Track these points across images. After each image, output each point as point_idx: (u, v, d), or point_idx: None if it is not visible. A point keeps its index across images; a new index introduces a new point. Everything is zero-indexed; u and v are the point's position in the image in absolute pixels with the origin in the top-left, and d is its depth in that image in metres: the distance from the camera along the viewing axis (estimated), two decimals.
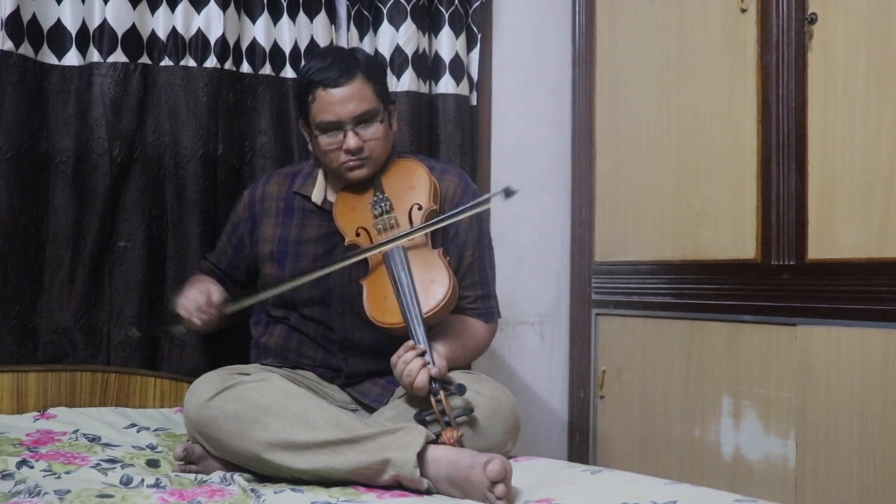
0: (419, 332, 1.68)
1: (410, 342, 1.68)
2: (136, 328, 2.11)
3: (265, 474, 1.61)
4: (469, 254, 1.92)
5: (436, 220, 1.82)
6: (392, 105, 1.93)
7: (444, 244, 1.86)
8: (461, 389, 1.64)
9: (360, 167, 1.86)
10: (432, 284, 1.75)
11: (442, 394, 1.61)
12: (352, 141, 1.82)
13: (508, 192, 1.77)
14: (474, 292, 1.92)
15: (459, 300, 1.84)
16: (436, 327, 1.77)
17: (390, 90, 2.06)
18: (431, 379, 1.62)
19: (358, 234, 1.84)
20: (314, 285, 1.84)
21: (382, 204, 1.85)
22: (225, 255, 2.05)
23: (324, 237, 1.91)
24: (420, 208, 1.84)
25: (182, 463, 1.68)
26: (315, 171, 1.98)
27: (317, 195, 1.94)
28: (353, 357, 1.88)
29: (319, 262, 1.89)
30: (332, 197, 1.93)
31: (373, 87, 1.85)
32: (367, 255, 1.79)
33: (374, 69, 1.90)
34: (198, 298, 1.83)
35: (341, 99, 1.81)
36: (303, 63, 2.35)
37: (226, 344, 2.18)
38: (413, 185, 1.88)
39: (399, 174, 1.91)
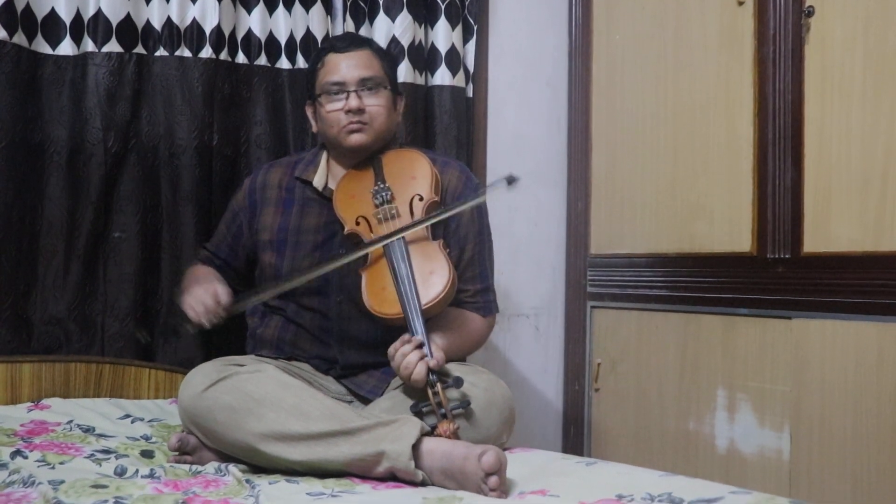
0: (417, 323, 1.68)
1: (407, 335, 1.68)
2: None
3: (260, 466, 1.60)
4: (470, 247, 1.92)
5: (437, 212, 1.82)
6: (399, 95, 1.99)
7: (445, 237, 1.87)
8: (458, 382, 1.63)
9: (360, 131, 1.88)
10: (432, 276, 1.75)
11: (439, 386, 1.61)
12: (353, 101, 1.86)
13: (511, 180, 1.80)
14: (473, 286, 1.92)
15: (458, 294, 1.84)
16: (434, 319, 1.77)
17: None
18: (429, 371, 1.62)
19: (358, 223, 1.84)
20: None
21: (383, 193, 1.85)
22: (224, 242, 2.05)
23: (323, 225, 1.91)
24: (421, 199, 1.84)
25: (177, 454, 1.68)
26: (318, 158, 1.98)
27: (318, 181, 1.94)
28: (349, 348, 1.88)
29: (319, 250, 1.89)
30: (333, 184, 1.94)
31: (380, 62, 1.93)
32: (370, 249, 1.78)
33: (384, 52, 2.01)
34: (206, 300, 1.79)
35: (347, 62, 1.89)
36: (299, 54, 2.35)
37: (220, 334, 2.16)
38: (415, 176, 1.88)
39: (401, 164, 1.91)
